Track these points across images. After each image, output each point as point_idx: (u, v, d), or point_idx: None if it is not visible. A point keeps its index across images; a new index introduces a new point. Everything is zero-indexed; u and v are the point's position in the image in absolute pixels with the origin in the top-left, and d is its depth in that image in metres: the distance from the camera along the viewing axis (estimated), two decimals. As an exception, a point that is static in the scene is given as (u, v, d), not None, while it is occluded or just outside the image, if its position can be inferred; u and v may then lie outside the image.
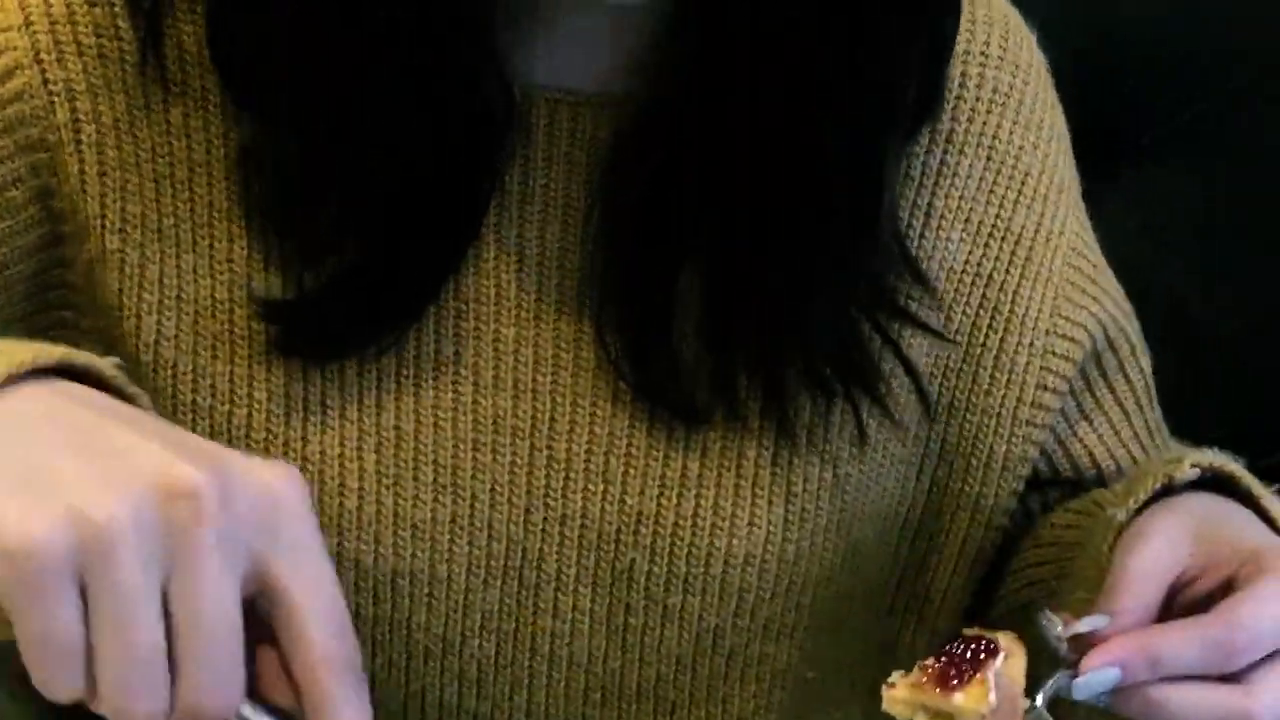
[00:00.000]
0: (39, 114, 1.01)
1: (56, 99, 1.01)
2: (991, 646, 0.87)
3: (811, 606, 1.10)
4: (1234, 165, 1.48)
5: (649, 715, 1.09)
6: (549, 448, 1.06)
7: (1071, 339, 1.13)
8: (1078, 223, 1.16)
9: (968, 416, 1.12)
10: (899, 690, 0.86)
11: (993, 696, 0.85)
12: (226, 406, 1.04)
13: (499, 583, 1.06)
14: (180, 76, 1.02)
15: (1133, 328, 1.17)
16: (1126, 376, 1.16)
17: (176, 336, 1.04)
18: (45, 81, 1.01)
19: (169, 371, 1.03)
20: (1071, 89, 1.17)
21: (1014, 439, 1.12)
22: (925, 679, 0.86)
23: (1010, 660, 0.87)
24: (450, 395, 1.05)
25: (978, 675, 0.85)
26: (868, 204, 1.04)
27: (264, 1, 0.97)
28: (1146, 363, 1.18)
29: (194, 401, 1.04)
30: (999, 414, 1.12)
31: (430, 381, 1.05)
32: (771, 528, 1.07)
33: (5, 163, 1.01)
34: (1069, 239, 1.14)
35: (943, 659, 0.87)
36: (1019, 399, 1.12)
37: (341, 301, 1.03)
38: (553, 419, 1.06)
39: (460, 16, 0.96)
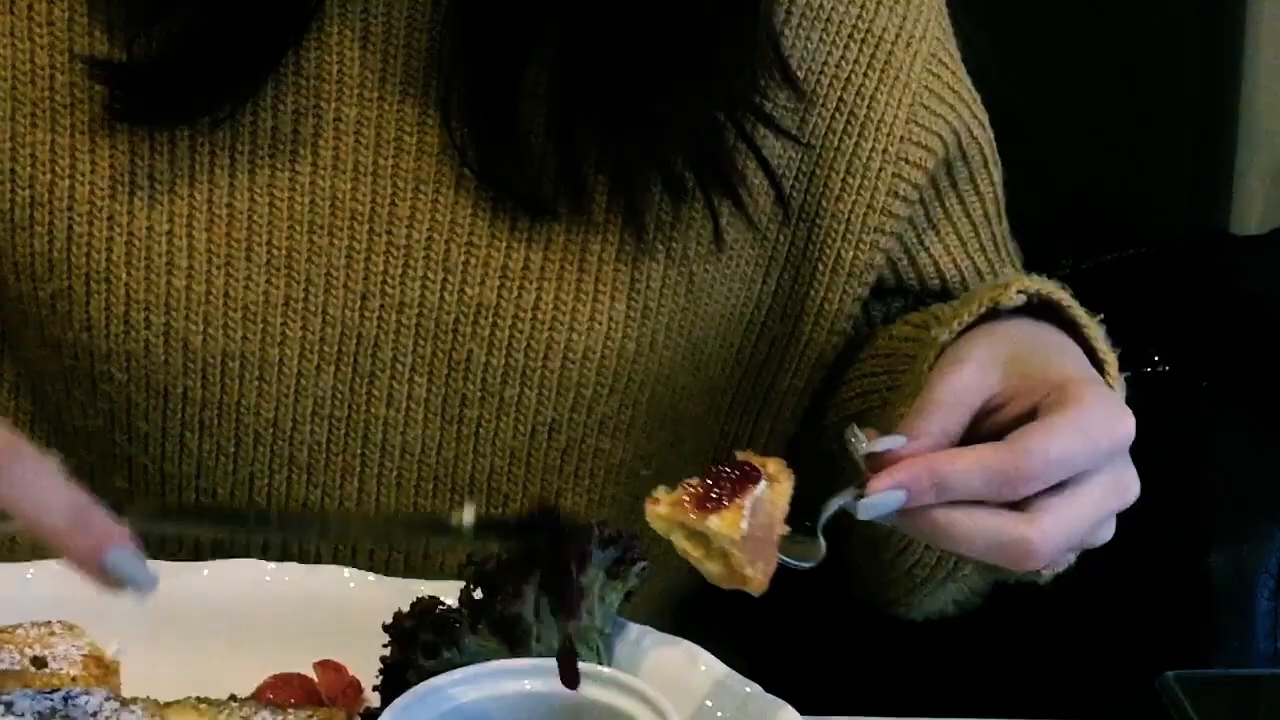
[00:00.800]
0: None
1: None
2: (754, 473, 0.87)
3: (649, 404, 1.10)
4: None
5: (480, 504, 1.09)
6: (388, 233, 1.04)
7: (925, 146, 1.11)
8: (940, 28, 1.14)
9: (817, 221, 1.11)
10: (660, 507, 0.86)
11: (745, 524, 0.84)
12: (48, 176, 1.02)
13: (333, 369, 1.05)
14: None
15: (985, 138, 1.15)
16: (976, 187, 1.15)
17: (15, 127, 1.02)
18: None
19: (5, 136, 1.02)
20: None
21: (861, 245, 1.11)
22: (686, 499, 0.86)
23: (775, 487, 0.85)
24: (287, 174, 1.03)
25: (736, 500, 0.85)
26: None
27: None
28: (998, 175, 1.16)
29: (13, 171, 1.02)
30: (849, 219, 1.11)
31: (267, 159, 1.03)
32: (613, 324, 1.06)
33: None
34: (929, 44, 1.12)
35: (708, 481, 0.86)
36: (869, 205, 1.11)
37: (175, 66, 1.00)
38: (393, 204, 1.04)
39: None
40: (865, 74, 1.10)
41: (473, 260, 1.05)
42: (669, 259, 1.07)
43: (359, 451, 1.07)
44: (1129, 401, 0.92)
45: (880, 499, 0.86)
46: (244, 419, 1.05)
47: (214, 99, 1.01)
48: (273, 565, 1.00)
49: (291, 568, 1.00)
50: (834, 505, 0.88)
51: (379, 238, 1.04)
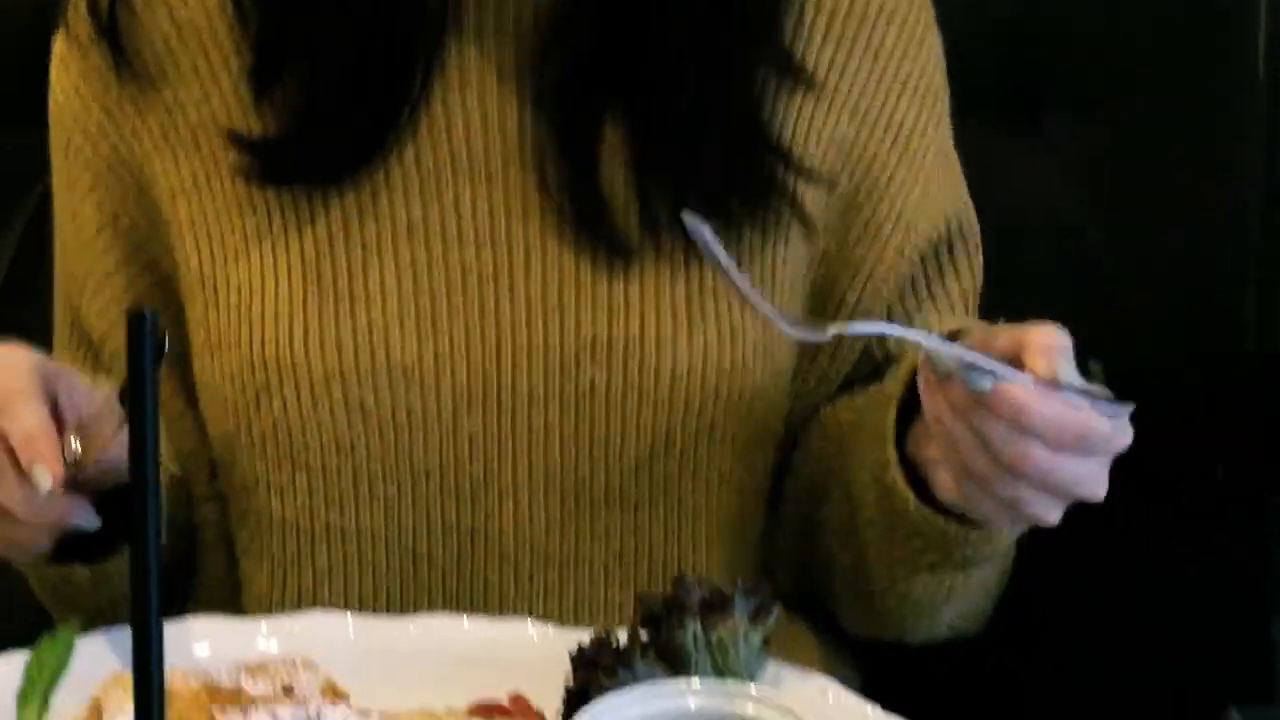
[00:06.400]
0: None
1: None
2: None
3: (748, 416, 1.27)
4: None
5: (615, 513, 1.27)
6: (510, 289, 1.25)
7: (930, 219, 1.31)
8: (946, 131, 1.34)
9: (833, 266, 1.30)
10: None
11: None
12: (248, 297, 1.25)
13: (480, 410, 1.25)
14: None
15: (975, 231, 1.34)
16: (959, 273, 1.33)
17: (228, 271, 1.27)
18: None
19: (224, 285, 1.27)
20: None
21: (866, 291, 1.30)
22: None
23: None
24: (423, 252, 1.24)
25: None
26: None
27: None
28: (979, 266, 1.34)
29: (229, 299, 1.26)
30: (858, 267, 1.30)
31: (405, 243, 1.24)
32: (708, 345, 1.25)
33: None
34: (940, 139, 1.33)
35: None
36: (879, 259, 1.30)
37: (300, 130, 1.25)
38: (510, 264, 1.25)
39: None
40: (888, 153, 1.31)
41: (582, 301, 1.24)
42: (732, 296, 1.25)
43: (510, 477, 1.26)
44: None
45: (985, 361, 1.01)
46: (415, 462, 1.25)
47: (342, 160, 1.24)
48: (466, 618, 1.19)
49: (482, 621, 1.19)
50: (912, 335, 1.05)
51: (503, 293, 1.25)
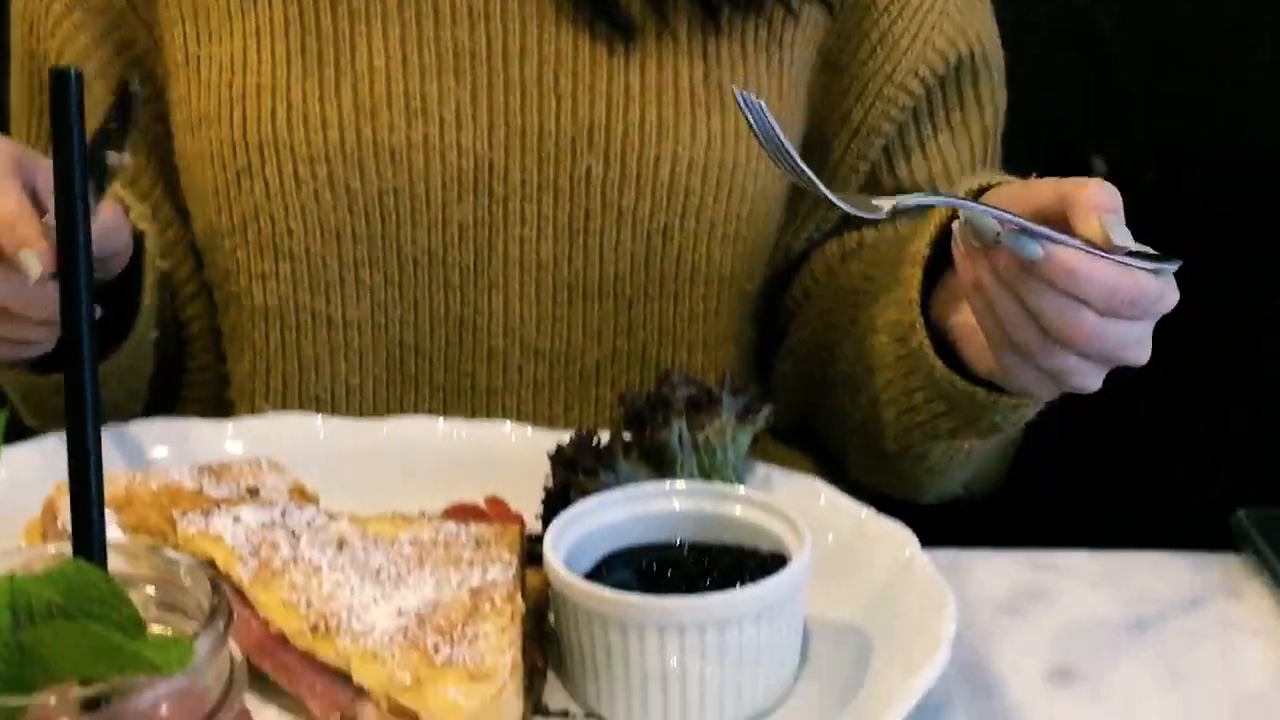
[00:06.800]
0: None
1: None
2: None
3: (749, 219, 1.22)
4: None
5: (609, 310, 1.22)
6: (504, 70, 1.19)
7: (951, 40, 1.24)
8: None
9: (837, 78, 1.25)
10: None
11: None
12: (229, 75, 1.20)
13: (471, 196, 1.20)
14: None
15: (1000, 63, 1.27)
16: (980, 101, 1.27)
17: (211, 48, 1.21)
18: None
19: (208, 62, 1.21)
20: None
21: (873, 110, 1.25)
22: None
23: None
24: (414, 30, 1.18)
25: None
26: None
27: None
28: (1002, 99, 1.28)
29: (211, 78, 1.21)
30: (868, 83, 1.24)
31: (396, 18, 1.18)
32: (712, 137, 1.19)
33: None
34: None
35: None
36: (889, 77, 1.24)
37: None
38: (505, 44, 1.19)
39: None
40: None
41: (580, 85, 1.19)
42: (746, 82, 1.20)
43: (501, 269, 1.21)
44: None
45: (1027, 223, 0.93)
46: (403, 249, 1.20)
47: None
48: (441, 420, 1.14)
49: (458, 422, 1.14)
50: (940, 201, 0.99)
51: (497, 75, 1.19)
